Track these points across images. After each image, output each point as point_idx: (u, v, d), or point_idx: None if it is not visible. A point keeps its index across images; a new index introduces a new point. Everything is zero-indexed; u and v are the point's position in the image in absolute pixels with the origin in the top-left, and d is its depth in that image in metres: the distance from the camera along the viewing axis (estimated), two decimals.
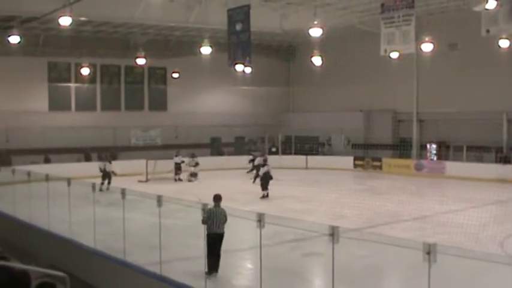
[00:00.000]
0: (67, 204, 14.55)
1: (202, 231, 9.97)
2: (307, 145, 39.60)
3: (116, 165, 28.30)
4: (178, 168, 30.90)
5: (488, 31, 20.68)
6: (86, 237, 13.38)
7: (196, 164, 31.14)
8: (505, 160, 30.63)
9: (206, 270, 11.16)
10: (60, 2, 22.26)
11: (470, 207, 20.56)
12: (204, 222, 10.74)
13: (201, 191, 23.99)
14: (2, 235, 16.22)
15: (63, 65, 36.46)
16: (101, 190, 19.80)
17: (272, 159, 37.50)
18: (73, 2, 22.12)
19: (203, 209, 9.88)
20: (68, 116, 36.07)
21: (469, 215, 18.37)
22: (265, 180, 24.61)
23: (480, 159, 31.59)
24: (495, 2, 19.26)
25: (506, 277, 11.42)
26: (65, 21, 22.85)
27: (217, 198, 12.20)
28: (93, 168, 28.74)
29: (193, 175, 30.94)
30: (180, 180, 30.55)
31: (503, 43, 26.52)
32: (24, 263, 8.37)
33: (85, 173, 26.55)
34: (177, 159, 31.05)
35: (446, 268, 7.64)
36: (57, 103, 36.07)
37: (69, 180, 14.63)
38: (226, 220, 12.05)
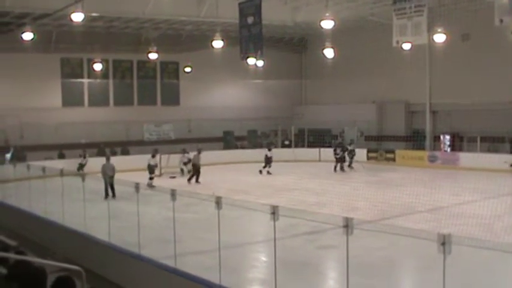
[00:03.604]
0: (82, 198, 14.66)
1: (216, 225, 9.99)
2: (320, 137, 39.51)
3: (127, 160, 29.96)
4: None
5: (501, 21, 20.37)
6: (101, 231, 13.47)
7: (189, 161, 30.33)
8: None
9: (104, 196, 19.91)
10: None
11: (484, 198, 20.43)
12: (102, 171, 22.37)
13: (215, 184, 24.10)
14: (19, 230, 16.36)
15: (76, 61, 36.62)
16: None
17: (285, 152, 37.84)
18: None
19: (217, 202, 9.89)
20: (81, 112, 36.25)
21: (483, 206, 18.27)
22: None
23: (494, 150, 31.38)
24: None
25: None
26: (77, 17, 22.94)
27: (108, 157, 25.48)
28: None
29: (187, 172, 30.13)
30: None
31: None
32: (40, 257, 8.44)
33: (99, 168, 26.68)
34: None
35: (461, 259, 7.63)
36: (71, 99, 36.26)
37: (83, 176, 14.71)
38: (113, 169, 23.26)
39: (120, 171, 25.90)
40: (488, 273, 11.49)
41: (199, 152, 28.77)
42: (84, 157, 30.27)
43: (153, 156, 27.14)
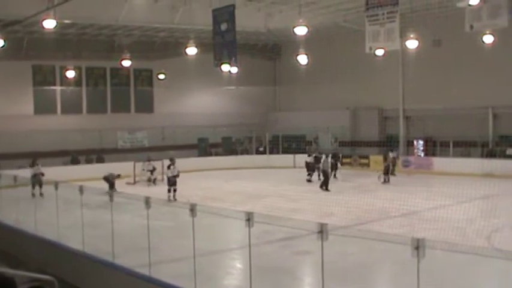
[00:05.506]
0: (55, 207, 14.47)
1: (190, 232, 9.94)
2: (295, 144, 39.62)
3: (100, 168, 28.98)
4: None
5: (472, 27, 20.71)
6: (74, 240, 13.30)
7: (154, 169, 29.95)
8: (491, 155, 30.82)
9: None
10: (44, 4, 22.10)
11: (457, 202, 20.65)
12: None
13: (190, 192, 23.98)
14: None
15: (48, 68, 36.27)
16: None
17: (260, 159, 37.90)
18: (57, 4, 21.97)
19: (191, 210, 9.85)
20: (53, 119, 35.88)
21: (456, 210, 18.50)
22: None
23: (467, 155, 31.77)
24: None
25: (493, 270, 11.54)
26: (49, 24, 22.65)
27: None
28: (80, 171, 28.68)
29: (151, 180, 29.83)
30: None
31: (487, 39, 26.68)
32: (11, 268, 8.32)
33: (72, 176, 26.41)
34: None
35: (435, 262, 7.67)
36: (43, 106, 35.90)
37: (56, 184, 14.54)
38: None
39: (94, 179, 25.80)
40: (461, 276, 11.59)
41: (327, 156, 28.08)
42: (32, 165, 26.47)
43: (169, 167, 24.82)
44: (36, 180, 23.34)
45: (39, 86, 36.03)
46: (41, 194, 21.84)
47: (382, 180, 28.35)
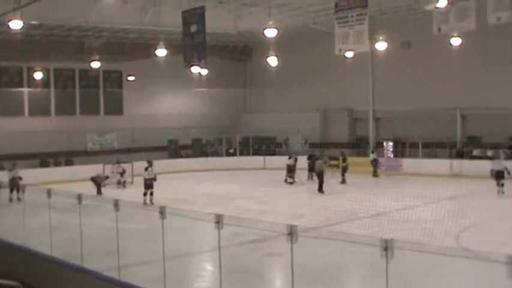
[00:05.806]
0: (21, 211, 14.28)
1: (160, 235, 9.88)
2: (265, 145, 39.70)
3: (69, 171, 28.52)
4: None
5: (440, 29, 20.98)
6: (42, 244, 13.13)
7: (123, 171, 29.78)
8: (458, 155, 31.21)
9: None
10: (10, 5, 21.77)
11: (426, 203, 20.87)
12: None
13: (159, 194, 23.84)
14: None
15: (15, 70, 35.74)
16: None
17: (230, 161, 37.86)
18: (24, 5, 21.66)
19: (161, 212, 9.79)
20: (21, 122, 35.36)
21: (424, 211, 18.69)
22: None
23: (435, 155, 32.14)
24: (446, 1, 19.61)
25: (461, 269, 11.68)
26: (16, 25, 22.32)
27: None
28: (49, 173, 28.30)
29: (121, 183, 29.57)
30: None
31: (455, 41, 27.01)
32: None
33: (41, 178, 26.11)
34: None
35: (403, 263, 7.73)
36: (10, 108, 35.33)
37: (23, 187, 14.35)
38: None
39: (63, 181, 25.53)
40: (430, 276, 11.70)
41: (320, 158, 27.97)
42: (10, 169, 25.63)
43: (146, 169, 23.87)
44: (14, 184, 23.11)
45: (5, 87, 35.48)
46: (19, 199, 21.47)
47: (340, 180, 28.86)
